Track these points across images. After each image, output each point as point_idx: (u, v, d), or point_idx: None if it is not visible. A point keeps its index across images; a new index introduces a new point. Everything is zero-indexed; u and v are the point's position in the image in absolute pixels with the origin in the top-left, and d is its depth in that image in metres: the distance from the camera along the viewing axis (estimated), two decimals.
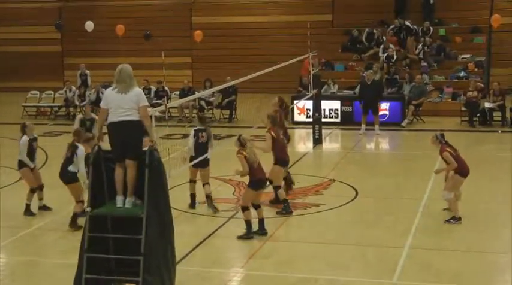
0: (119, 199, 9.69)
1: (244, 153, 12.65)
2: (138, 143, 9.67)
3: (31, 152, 14.50)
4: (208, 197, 14.71)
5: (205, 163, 14.44)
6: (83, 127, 17.69)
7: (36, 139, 14.69)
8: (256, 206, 12.90)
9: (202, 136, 14.39)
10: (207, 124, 15.18)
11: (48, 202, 14.79)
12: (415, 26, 29.24)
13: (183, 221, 13.39)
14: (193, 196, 14.81)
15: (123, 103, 9.55)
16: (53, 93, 28.37)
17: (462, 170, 13.32)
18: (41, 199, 14.70)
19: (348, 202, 15.03)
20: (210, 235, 12.97)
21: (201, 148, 14.31)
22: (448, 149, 13.30)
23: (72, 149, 13.61)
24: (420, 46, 28.11)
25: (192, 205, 14.76)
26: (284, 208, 14.25)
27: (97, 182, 9.73)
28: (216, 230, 13.30)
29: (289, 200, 14.84)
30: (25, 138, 14.42)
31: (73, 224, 13.37)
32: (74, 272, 9.64)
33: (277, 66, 19.17)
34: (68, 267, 10.35)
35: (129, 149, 9.60)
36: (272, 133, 14.41)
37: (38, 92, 28.55)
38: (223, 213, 14.28)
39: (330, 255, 11.92)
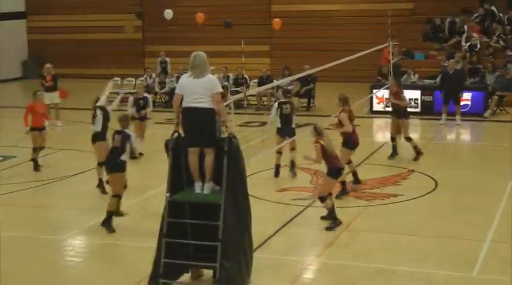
0: (197, 185, 9.79)
1: (322, 142, 12.59)
2: (212, 130, 9.73)
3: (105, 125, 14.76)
4: (293, 162, 15.92)
5: (292, 133, 15.69)
6: (135, 106, 18.11)
7: (108, 112, 14.89)
8: (329, 194, 12.86)
9: (286, 108, 15.76)
10: (290, 97, 16.43)
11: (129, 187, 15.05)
12: (500, 14, 28.52)
13: (260, 208, 13.37)
14: (277, 167, 15.87)
15: (197, 89, 9.66)
16: (134, 79, 28.75)
17: None
18: None
19: (427, 194, 14.79)
20: (287, 223, 12.94)
21: (285, 118, 15.73)
22: None
23: (123, 138, 12.74)
24: (495, 37, 27.42)
25: (276, 174, 15.83)
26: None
27: (176, 168, 9.84)
28: (293, 218, 13.27)
29: (367, 190, 14.79)
30: (100, 111, 14.71)
31: (108, 224, 12.55)
32: (152, 255, 9.78)
33: (357, 55, 19.00)
34: (146, 251, 10.49)
35: (204, 137, 9.68)
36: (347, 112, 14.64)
37: (119, 79, 28.99)
38: (300, 201, 14.24)
39: (408, 247, 11.75)
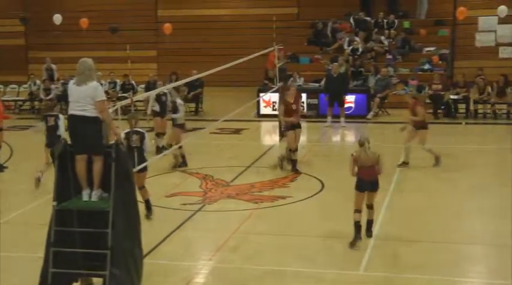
0: (85, 193, 9.69)
1: (355, 154, 12.23)
2: (97, 138, 9.65)
3: None
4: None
5: None
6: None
7: None
8: (368, 206, 12.31)
9: None
10: None
11: (11, 196, 14.73)
12: (384, 19, 29.44)
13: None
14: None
15: (80, 96, 9.57)
16: (17, 87, 28.05)
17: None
18: None
19: (314, 195, 15.11)
20: (177, 228, 12.96)
21: None
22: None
23: (141, 136, 12.75)
24: (371, 41, 28.39)
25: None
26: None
27: (63, 176, 9.70)
28: (183, 223, 13.30)
29: (256, 193, 15.00)
30: None
31: None
32: (40, 266, 9.61)
33: (243, 59, 19.20)
34: (36, 261, 10.28)
35: (88, 145, 9.61)
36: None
37: (1, 86, 28.21)
38: (190, 206, 14.28)
39: (297, 248, 11.98)
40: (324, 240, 12.29)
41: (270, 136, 22.00)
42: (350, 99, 24.04)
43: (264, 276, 10.78)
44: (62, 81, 25.59)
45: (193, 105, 25.66)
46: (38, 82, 26.82)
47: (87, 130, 9.58)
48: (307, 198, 14.85)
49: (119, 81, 26.24)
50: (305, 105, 24.39)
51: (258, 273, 10.88)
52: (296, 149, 16.80)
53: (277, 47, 21.67)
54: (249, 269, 11.04)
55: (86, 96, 9.53)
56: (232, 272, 11.00)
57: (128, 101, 14.73)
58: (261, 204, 14.42)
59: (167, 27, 28.38)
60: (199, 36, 32.12)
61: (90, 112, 9.53)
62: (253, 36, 30.57)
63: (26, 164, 17.65)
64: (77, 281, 10.03)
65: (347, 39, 28.29)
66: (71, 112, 9.64)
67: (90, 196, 9.69)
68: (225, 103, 21.72)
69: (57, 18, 28.63)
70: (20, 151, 19.25)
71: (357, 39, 27.96)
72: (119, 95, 24.57)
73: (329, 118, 22.85)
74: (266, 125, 23.34)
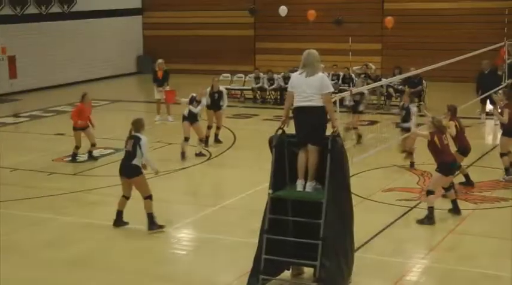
0: (299, 183, 9.80)
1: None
2: (320, 129, 9.73)
3: None
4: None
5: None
6: (211, 99, 18.85)
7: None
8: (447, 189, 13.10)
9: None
10: None
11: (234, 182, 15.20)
12: None
13: (364, 208, 13.24)
14: None
15: (307, 87, 9.69)
16: (243, 76, 28.87)
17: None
18: None
19: None
20: (390, 224, 12.78)
21: None
22: None
23: (134, 141, 12.39)
24: None
25: None
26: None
27: (279, 165, 9.88)
28: (397, 219, 13.09)
29: (476, 193, 14.46)
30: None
31: (154, 225, 12.49)
32: (254, 251, 9.85)
33: (469, 54, 18.56)
34: (249, 247, 10.56)
35: (311, 135, 9.71)
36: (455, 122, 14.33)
37: (229, 75, 29.19)
38: (406, 202, 14.02)
39: None
40: None
41: (494, 135, 21.01)
42: None
43: (479, 280, 10.37)
44: (282, 74, 26.01)
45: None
46: (261, 74, 27.20)
47: (313, 120, 9.71)
48: None
49: (341, 74, 26.20)
50: None
51: (473, 276, 10.49)
52: None
53: (508, 42, 20.72)
54: (464, 271, 10.69)
55: (314, 87, 9.66)
56: (446, 272, 10.70)
57: (347, 93, 14.76)
58: (480, 205, 13.88)
59: (389, 20, 27.97)
60: (426, 29, 31.28)
61: (316, 102, 9.66)
62: (480, 30, 29.39)
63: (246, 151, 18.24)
64: (288, 269, 10.20)
65: None
66: (296, 104, 9.79)
67: (304, 186, 9.78)
68: (448, 99, 20.98)
69: (283, 10, 29.16)
70: (241, 139, 19.94)
71: None
72: (340, 88, 24.57)
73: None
74: (491, 123, 22.34)
